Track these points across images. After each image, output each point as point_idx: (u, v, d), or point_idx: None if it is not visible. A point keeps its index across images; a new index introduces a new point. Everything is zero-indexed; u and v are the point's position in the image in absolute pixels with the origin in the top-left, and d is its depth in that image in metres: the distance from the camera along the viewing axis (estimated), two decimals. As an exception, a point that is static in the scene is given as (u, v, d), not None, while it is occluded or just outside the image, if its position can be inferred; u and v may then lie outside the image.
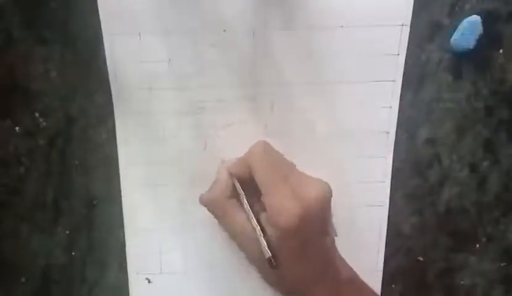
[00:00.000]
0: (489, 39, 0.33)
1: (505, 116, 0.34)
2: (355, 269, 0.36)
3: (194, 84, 0.34)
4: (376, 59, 0.33)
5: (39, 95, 0.34)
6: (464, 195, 0.35)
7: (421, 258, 0.36)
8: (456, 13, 0.33)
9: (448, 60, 0.33)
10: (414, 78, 0.34)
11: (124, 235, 0.36)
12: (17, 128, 0.35)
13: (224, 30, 0.33)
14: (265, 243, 0.29)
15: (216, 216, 0.33)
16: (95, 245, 0.36)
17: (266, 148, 0.31)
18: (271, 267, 0.29)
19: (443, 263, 0.36)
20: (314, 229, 0.30)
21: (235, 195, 0.32)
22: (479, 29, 0.32)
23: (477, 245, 0.36)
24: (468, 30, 0.32)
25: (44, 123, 0.35)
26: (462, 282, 0.36)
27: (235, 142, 0.34)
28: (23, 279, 0.37)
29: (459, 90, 0.34)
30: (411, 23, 0.32)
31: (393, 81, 0.33)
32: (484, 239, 0.36)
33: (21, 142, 0.35)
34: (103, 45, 0.33)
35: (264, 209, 0.30)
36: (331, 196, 0.31)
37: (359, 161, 0.35)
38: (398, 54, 0.33)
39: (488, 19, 0.32)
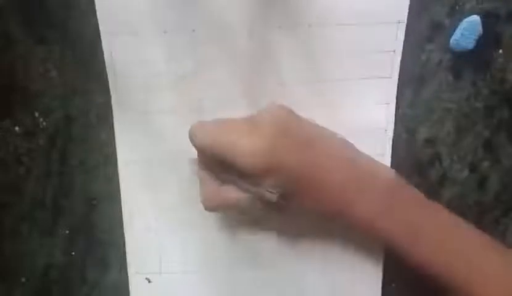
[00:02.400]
0: (489, 39, 0.33)
1: (505, 116, 0.34)
2: (354, 268, 0.36)
3: (193, 83, 0.34)
4: (373, 56, 0.33)
5: (39, 95, 0.34)
6: (464, 195, 0.35)
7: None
8: (456, 13, 0.33)
9: (448, 60, 0.33)
10: (414, 78, 0.34)
11: (124, 235, 0.36)
12: (17, 128, 0.35)
13: (222, 28, 0.33)
14: (264, 191, 0.28)
15: (223, 211, 0.33)
16: (95, 245, 0.36)
17: (200, 125, 0.31)
18: (282, 209, 0.29)
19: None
20: (295, 150, 0.28)
21: (220, 181, 0.31)
22: (479, 30, 0.32)
23: (477, 245, 0.36)
24: (468, 30, 0.32)
25: (44, 123, 0.35)
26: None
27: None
28: (23, 279, 0.37)
29: (459, 90, 0.34)
30: (411, 23, 0.33)
31: (390, 77, 0.33)
32: (484, 239, 0.36)
33: (21, 142, 0.35)
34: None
35: (237, 168, 0.29)
36: (288, 110, 0.29)
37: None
38: (394, 51, 0.33)
39: (488, 19, 0.32)
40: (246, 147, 0.28)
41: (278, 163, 0.28)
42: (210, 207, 0.32)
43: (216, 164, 0.30)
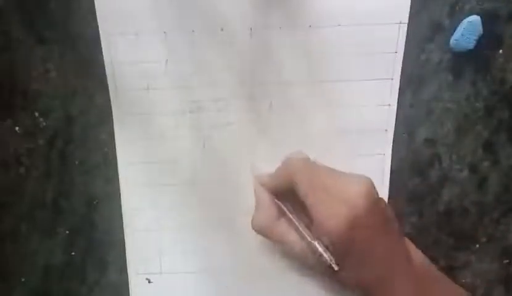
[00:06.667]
0: (489, 39, 0.33)
1: (505, 116, 0.34)
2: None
3: (192, 83, 0.34)
4: (374, 57, 0.33)
5: (39, 95, 0.34)
6: (464, 195, 0.35)
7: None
8: (456, 13, 0.33)
9: (448, 60, 0.33)
10: (414, 78, 0.34)
11: (124, 235, 0.36)
12: (17, 128, 0.35)
13: (222, 29, 0.33)
14: (324, 250, 0.29)
15: (270, 240, 0.33)
16: (95, 245, 0.36)
17: (306, 160, 0.32)
18: (333, 273, 0.29)
19: (443, 263, 0.36)
20: (370, 227, 0.29)
21: (281, 213, 0.32)
22: (479, 30, 0.32)
23: (477, 245, 0.36)
24: (468, 30, 0.32)
25: (44, 123, 0.35)
26: (463, 281, 0.36)
27: (234, 141, 0.34)
28: (23, 279, 0.37)
29: (459, 90, 0.34)
30: (411, 23, 0.33)
31: (392, 79, 0.33)
32: (484, 239, 0.36)
33: (21, 142, 0.35)
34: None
35: (311, 219, 0.30)
36: (375, 190, 0.30)
37: (358, 160, 0.35)
38: (396, 52, 0.33)
39: (488, 19, 0.32)
40: (333, 217, 0.29)
41: (355, 241, 0.29)
42: (258, 231, 0.33)
43: (291, 199, 0.31)
